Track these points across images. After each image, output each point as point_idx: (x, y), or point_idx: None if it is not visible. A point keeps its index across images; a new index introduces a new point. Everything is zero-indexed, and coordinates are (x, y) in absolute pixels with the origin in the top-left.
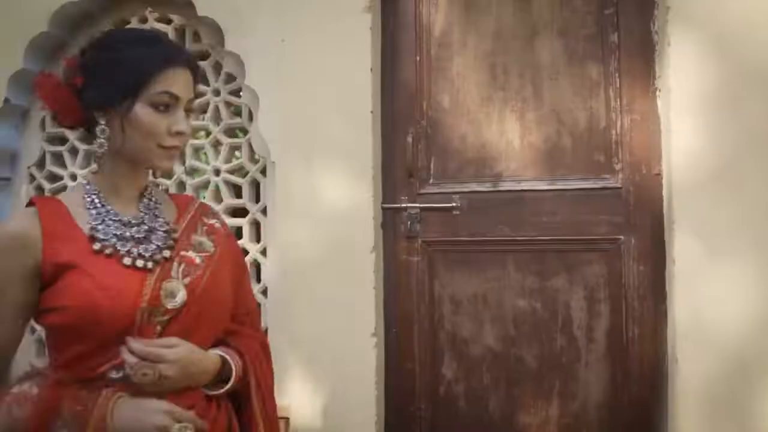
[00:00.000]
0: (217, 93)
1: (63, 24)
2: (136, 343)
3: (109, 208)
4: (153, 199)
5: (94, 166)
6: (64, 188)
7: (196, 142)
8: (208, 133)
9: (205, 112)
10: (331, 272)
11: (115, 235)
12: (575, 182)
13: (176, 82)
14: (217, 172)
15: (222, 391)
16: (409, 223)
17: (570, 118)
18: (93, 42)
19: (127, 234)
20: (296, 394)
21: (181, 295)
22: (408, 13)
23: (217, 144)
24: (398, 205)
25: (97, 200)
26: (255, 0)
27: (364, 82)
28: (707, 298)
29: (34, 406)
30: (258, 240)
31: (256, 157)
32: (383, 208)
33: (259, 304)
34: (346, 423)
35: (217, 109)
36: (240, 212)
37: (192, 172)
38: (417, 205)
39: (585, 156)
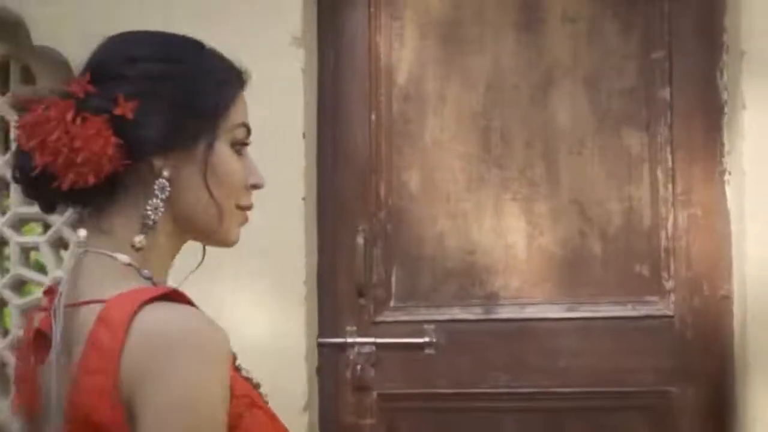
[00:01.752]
0: None
1: None
2: None
3: None
4: None
5: (139, 239)
6: None
7: (25, 239)
8: (44, 227)
9: None
10: None
11: None
12: (606, 308)
13: (246, 110)
14: None
15: None
16: (358, 366)
17: (600, 213)
18: (135, 48)
19: None
20: None
21: None
22: (357, 49)
23: (59, 244)
24: (343, 340)
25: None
26: (126, 22)
27: (294, 153)
28: None
29: None
30: None
31: None
32: (320, 345)
33: None
34: None
35: None
36: None
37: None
38: (371, 339)
39: (621, 269)
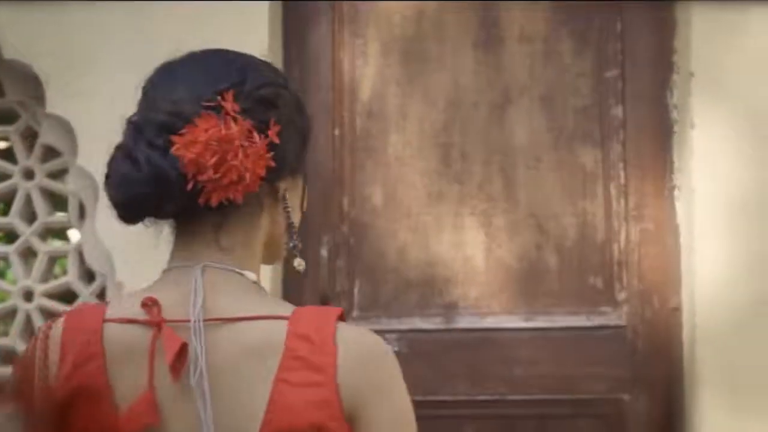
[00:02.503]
0: (28, 175)
1: None
2: None
3: None
4: None
5: (298, 261)
6: None
7: None
8: (12, 237)
9: (8, 204)
10: None
11: None
12: (562, 318)
13: None
14: (29, 297)
15: None
16: None
17: (555, 226)
18: (259, 71)
19: None
20: None
21: None
22: (322, 65)
23: (28, 254)
24: None
25: None
26: (97, 37)
27: None
28: None
29: None
30: None
31: (93, 272)
32: None
33: None
34: None
35: (28, 200)
36: None
37: None
38: None
39: (576, 280)
